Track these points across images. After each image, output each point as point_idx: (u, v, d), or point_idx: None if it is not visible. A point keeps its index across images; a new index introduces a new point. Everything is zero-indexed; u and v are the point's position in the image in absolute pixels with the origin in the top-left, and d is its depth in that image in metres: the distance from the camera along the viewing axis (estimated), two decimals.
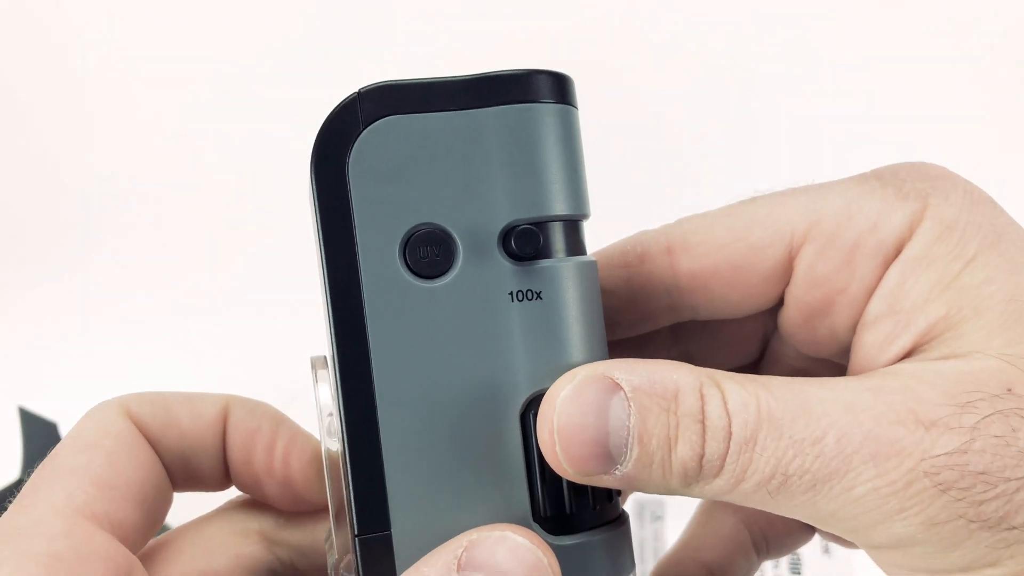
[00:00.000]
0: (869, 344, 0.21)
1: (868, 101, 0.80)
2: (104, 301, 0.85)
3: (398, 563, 0.20)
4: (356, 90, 0.21)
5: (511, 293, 0.20)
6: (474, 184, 0.20)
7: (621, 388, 0.19)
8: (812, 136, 0.80)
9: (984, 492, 0.17)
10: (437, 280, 0.20)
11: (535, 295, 0.20)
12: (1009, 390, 0.17)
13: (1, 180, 0.95)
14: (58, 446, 0.23)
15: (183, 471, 0.25)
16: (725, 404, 0.18)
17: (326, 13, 0.90)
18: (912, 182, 0.20)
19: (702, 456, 0.18)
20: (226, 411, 0.25)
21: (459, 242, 0.20)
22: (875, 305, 0.20)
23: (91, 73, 0.93)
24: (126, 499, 0.22)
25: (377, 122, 0.20)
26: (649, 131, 0.88)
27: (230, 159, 0.94)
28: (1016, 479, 0.17)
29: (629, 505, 0.57)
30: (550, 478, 0.20)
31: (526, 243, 0.20)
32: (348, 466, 0.20)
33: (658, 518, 0.56)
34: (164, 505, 0.24)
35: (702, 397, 0.19)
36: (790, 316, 0.23)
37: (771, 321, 0.24)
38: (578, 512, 0.20)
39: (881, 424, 0.18)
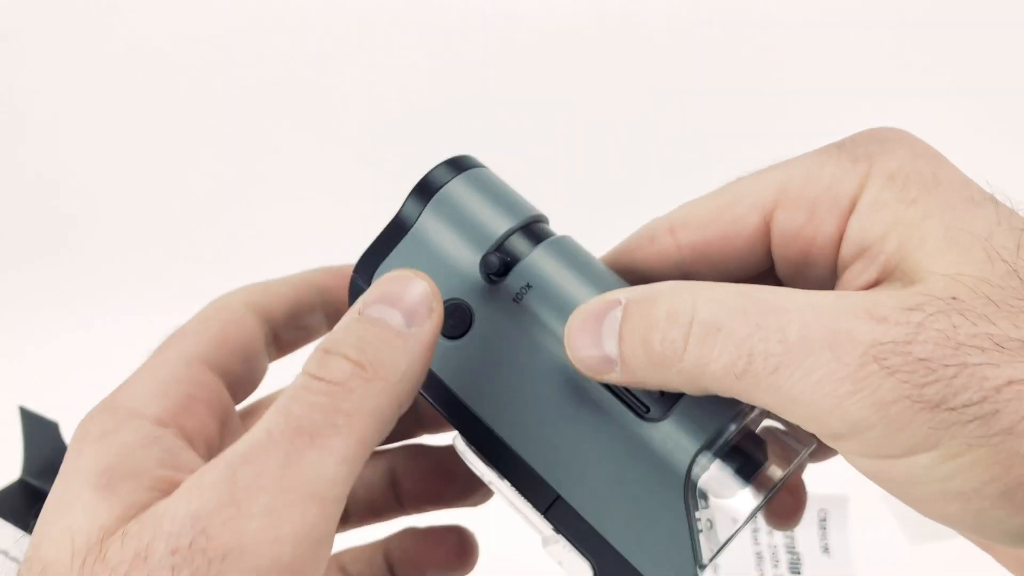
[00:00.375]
0: (847, 283, 0.24)
1: (862, 90, 0.80)
2: (106, 301, 0.85)
3: (578, 508, 0.25)
4: (352, 270, 0.29)
5: (513, 300, 0.26)
6: (449, 260, 0.27)
7: (621, 303, 0.23)
8: (806, 126, 0.80)
9: (925, 376, 0.19)
10: (471, 332, 0.27)
11: (527, 288, 0.26)
12: (954, 298, 0.20)
13: (2, 180, 0.95)
14: (184, 323, 0.30)
15: (293, 330, 0.31)
16: (695, 299, 0.22)
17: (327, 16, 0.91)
18: (865, 146, 0.24)
19: (663, 339, 0.22)
20: (316, 276, 0.32)
21: (465, 299, 0.27)
22: (846, 250, 0.24)
23: (77, 70, 0.93)
24: (235, 355, 0.29)
25: (374, 276, 0.28)
26: (659, 135, 0.88)
27: (230, 154, 0.94)
28: (954, 366, 0.19)
29: None
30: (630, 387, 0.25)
31: (489, 266, 0.26)
32: (513, 486, 0.26)
33: None
34: (261, 369, 0.30)
35: (673, 295, 0.22)
36: (782, 271, 0.26)
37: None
38: (665, 392, 0.25)
39: (840, 319, 0.20)
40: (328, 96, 0.92)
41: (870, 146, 0.24)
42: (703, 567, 0.23)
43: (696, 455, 0.24)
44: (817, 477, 0.56)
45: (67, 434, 0.59)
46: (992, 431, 0.18)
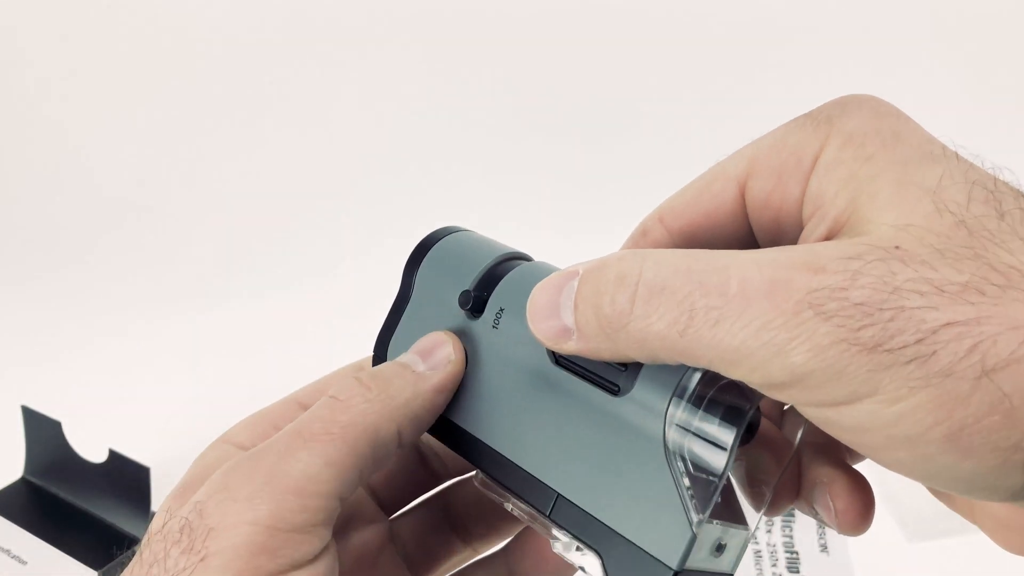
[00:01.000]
0: (802, 241, 0.24)
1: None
2: (107, 300, 0.85)
3: (577, 502, 0.26)
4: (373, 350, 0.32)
5: (493, 327, 0.28)
6: (443, 313, 0.30)
7: (578, 274, 0.24)
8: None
9: (861, 320, 0.19)
10: (468, 369, 0.29)
11: (501, 312, 0.28)
12: (897, 247, 0.20)
13: (5, 180, 0.95)
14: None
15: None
16: (642, 263, 0.22)
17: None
18: (828, 111, 0.24)
19: (611, 302, 0.22)
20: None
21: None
22: (806, 210, 0.24)
23: (107, 78, 0.94)
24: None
25: (388, 349, 0.31)
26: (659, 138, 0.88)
27: (229, 161, 0.94)
28: (890, 309, 0.19)
29: None
30: (592, 368, 0.26)
31: (464, 303, 0.29)
32: (518, 496, 0.27)
33: None
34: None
35: (622, 260, 0.23)
36: (762, 240, 0.26)
37: None
38: (629, 365, 0.25)
39: (779, 271, 0.20)
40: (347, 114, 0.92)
41: (832, 110, 0.24)
42: (700, 523, 0.23)
43: (666, 413, 0.24)
44: None
45: (69, 433, 0.59)
46: (930, 372, 0.18)
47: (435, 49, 0.90)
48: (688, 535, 0.23)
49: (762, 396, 0.24)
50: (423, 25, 0.89)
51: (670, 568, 0.23)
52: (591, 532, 0.25)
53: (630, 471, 0.25)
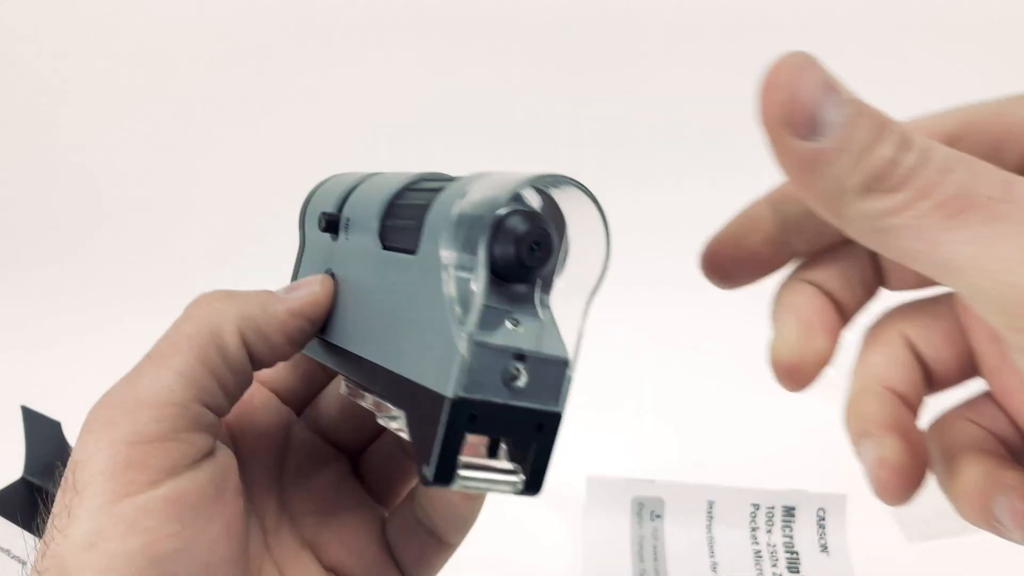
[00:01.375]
0: None
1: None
2: (107, 300, 0.85)
3: (381, 363, 0.26)
4: None
5: (345, 240, 0.30)
6: (320, 244, 0.32)
7: (840, 94, 0.19)
8: None
9: None
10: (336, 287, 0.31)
11: (348, 222, 0.30)
12: None
13: (4, 180, 0.95)
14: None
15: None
16: (931, 141, 0.19)
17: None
18: None
19: (894, 162, 0.19)
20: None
21: (331, 266, 0.31)
22: None
23: (94, 78, 0.94)
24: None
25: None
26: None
27: (225, 159, 0.94)
28: None
29: (627, 504, 0.57)
30: (402, 241, 0.26)
31: (320, 225, 0.30)
32: (359, 386, 0.28)
33: (657, 516, 0.56)
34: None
35: (908, 127, 0.20)
36: None
37: None
38: (421, 227, 0.25)
39: None
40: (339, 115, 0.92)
41: None
42: (469, 342, 0.22)
43: (440, 255, 0.23)
44: (816, 476, 0.56)
45: (69, 433, 0.59)
46: None
47: (435, 39, 0.89)
48: (457, 358, 0.22)
49: (510, 201, 0.23)
50: (424, 19, 0.89)
51: (444, 396, 0.22)
52: (394, 389, 0.25)
53: (419, 320, 0.24)
